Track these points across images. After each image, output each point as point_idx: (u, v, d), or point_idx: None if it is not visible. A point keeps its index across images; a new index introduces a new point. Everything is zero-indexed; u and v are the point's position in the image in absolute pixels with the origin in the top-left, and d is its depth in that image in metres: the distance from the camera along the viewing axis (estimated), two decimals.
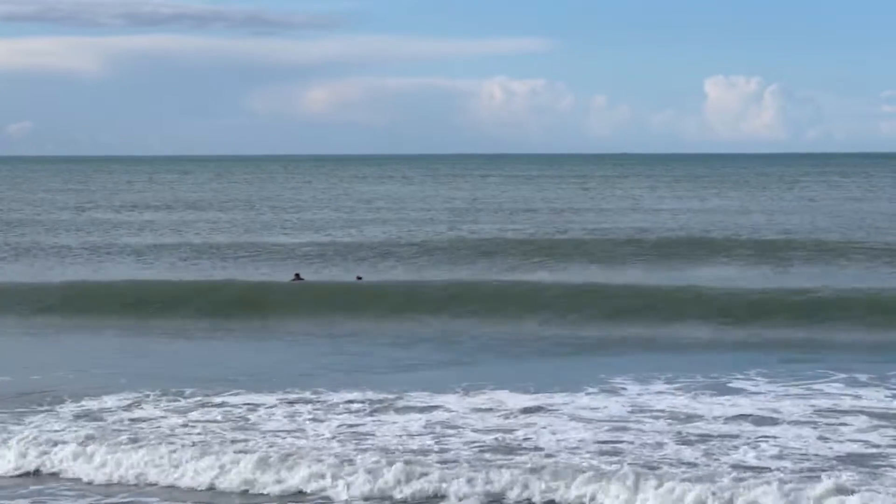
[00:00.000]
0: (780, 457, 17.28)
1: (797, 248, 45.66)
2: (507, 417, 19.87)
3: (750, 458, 17.20)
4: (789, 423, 19.38)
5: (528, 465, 16.53)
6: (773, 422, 19.42)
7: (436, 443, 18.25)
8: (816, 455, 17.37)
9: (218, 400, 21.32)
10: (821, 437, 18.47)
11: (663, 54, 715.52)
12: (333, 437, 18.63)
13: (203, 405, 20.95)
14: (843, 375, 23.14)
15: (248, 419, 19.96)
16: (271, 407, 20.76)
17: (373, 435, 18.76)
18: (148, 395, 21.73)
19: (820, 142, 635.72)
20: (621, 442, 18.15)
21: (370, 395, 21.55)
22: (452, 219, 65.68)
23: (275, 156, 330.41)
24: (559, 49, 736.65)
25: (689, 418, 19.65)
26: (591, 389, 21.92)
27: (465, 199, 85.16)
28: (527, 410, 20.25)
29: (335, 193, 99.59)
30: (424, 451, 17.66)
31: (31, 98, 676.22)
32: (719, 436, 18.56)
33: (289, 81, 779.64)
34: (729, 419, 19.67)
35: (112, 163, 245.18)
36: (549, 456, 17.30)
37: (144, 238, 57.11)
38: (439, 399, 21.20)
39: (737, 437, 18.47)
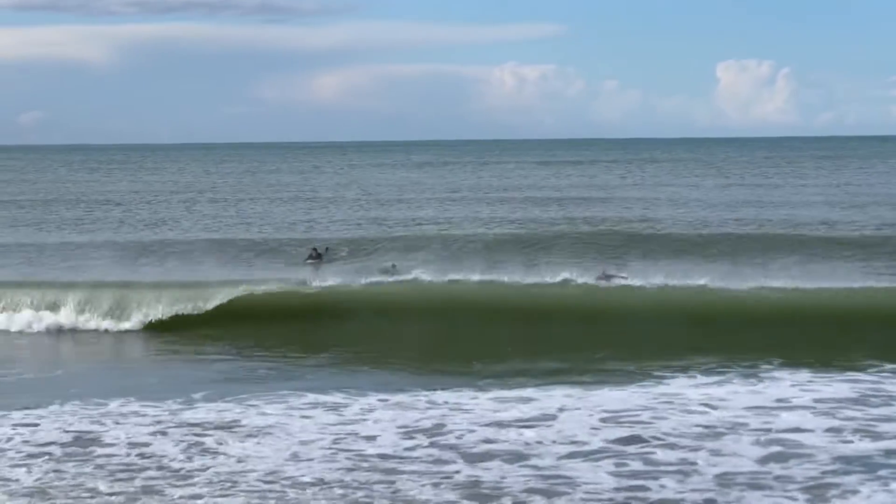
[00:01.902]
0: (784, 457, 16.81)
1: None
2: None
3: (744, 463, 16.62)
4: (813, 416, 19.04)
5: None
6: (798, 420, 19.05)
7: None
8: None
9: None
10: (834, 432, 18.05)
11: (674, 39, 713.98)
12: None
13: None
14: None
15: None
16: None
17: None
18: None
19: (832, 125, 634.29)
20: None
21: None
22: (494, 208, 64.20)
23: (285, 143, 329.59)
24: (569, 34, 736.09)
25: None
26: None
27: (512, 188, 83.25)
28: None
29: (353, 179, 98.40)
30: None
31: (43, 87, 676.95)
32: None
33: (299, 68, 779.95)
34: (752, 415, 19.27)
35: (125, 150, 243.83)
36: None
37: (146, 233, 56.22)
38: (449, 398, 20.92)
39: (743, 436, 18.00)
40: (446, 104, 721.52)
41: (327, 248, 41.92)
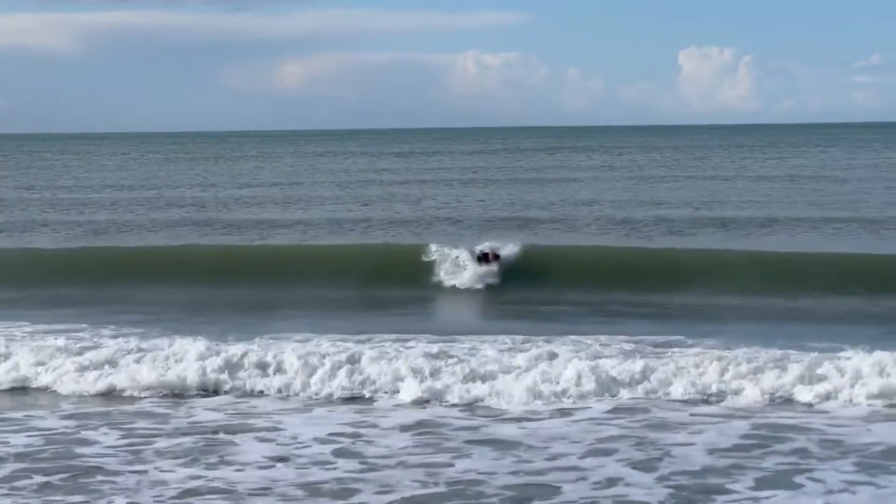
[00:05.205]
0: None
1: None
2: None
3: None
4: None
5: None
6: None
7: None
8: None
9: None
10: None
11: (637, 26, 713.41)
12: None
13: None
14: None
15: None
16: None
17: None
18: None
19: (794, 112, 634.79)
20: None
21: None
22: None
23: (250, 131, 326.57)
24: (532, 22, 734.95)
25: None
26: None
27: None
28: None
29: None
30: None
31: (4, 76, 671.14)
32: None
33: (263, 57, 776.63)
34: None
35: (102, 139, 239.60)
36: None
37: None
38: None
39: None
40: (410, 92, 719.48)
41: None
